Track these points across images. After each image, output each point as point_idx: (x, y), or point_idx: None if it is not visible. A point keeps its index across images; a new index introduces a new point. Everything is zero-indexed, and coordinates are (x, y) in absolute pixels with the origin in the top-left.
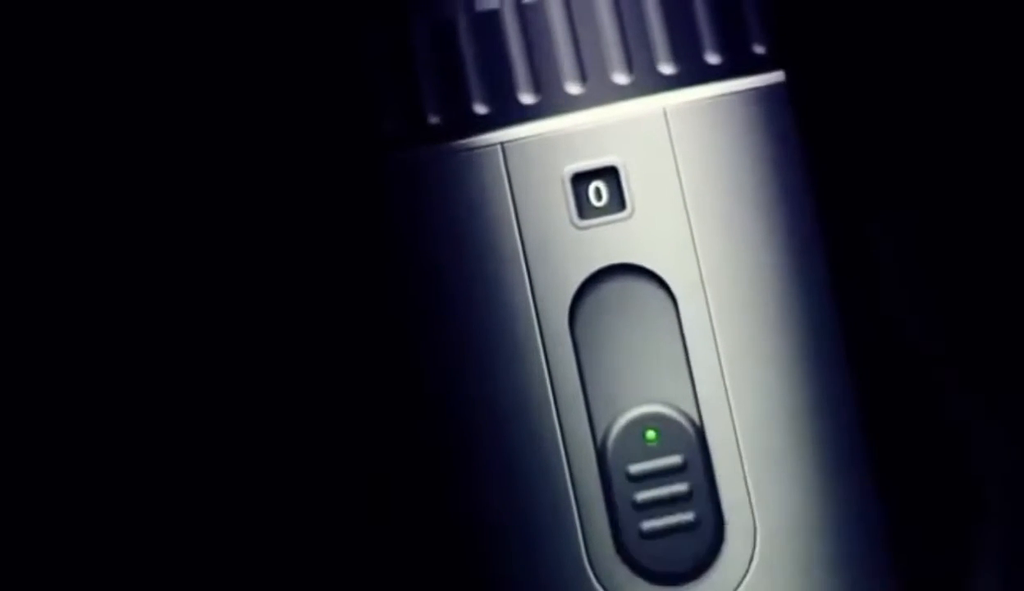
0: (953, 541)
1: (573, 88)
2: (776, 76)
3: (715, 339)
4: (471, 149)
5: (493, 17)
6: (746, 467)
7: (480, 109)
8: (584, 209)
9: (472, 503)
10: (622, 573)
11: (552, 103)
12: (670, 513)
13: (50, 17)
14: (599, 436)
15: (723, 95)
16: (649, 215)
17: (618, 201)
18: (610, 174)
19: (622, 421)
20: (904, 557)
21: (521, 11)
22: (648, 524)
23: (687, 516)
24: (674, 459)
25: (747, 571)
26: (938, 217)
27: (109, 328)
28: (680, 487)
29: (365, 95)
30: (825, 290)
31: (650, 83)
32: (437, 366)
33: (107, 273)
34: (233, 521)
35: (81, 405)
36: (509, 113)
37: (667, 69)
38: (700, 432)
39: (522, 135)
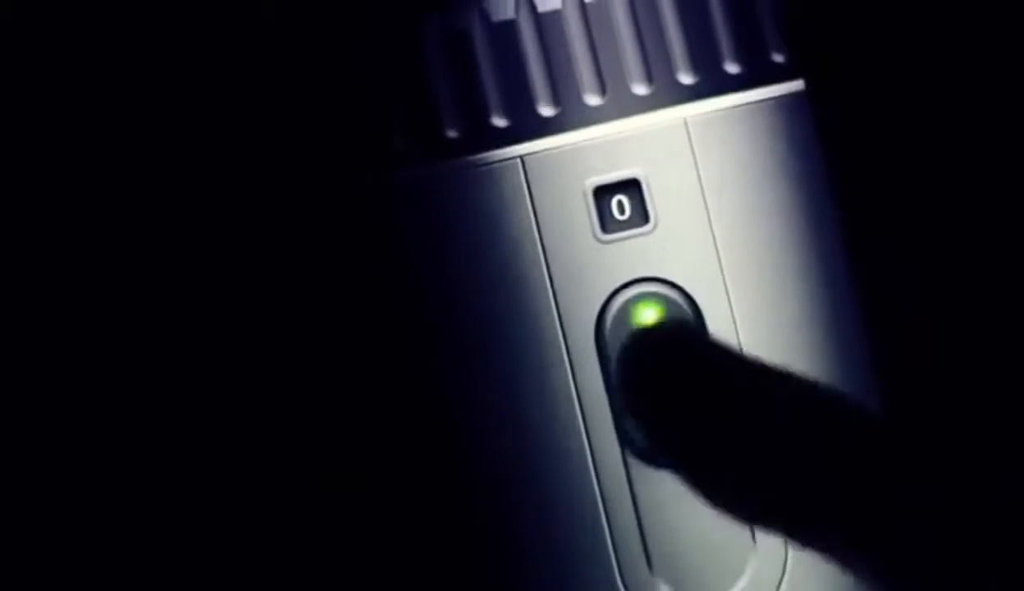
0: (972, 545)
1: (593, 100)
2: (796, 85)
3: (742, 351)
4: (490, 163)
5: (510, 28)
6: None
7: (499, 122)
8: (607, 223)
9: (502, 523)
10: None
11: (572, 115)
12: None
13: (48, 41)
14: (629, 452)
15: (743, 105)
16: (673, 228)
17: (641, 214)
18: (632, 187)
19: None
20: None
21: (539, 22)
22: None
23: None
24: None
25: (778, 585)
26: (960, 224)
27: (119, 334)
28: None
29: (382, 110)
30: (850, 297)
31: (670, 94)
32: (461, 385)
33: (116, 281)
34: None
35: (82, 407)
36: (528, 126)
37: (687, 79)
38: None
39: (542, 148)
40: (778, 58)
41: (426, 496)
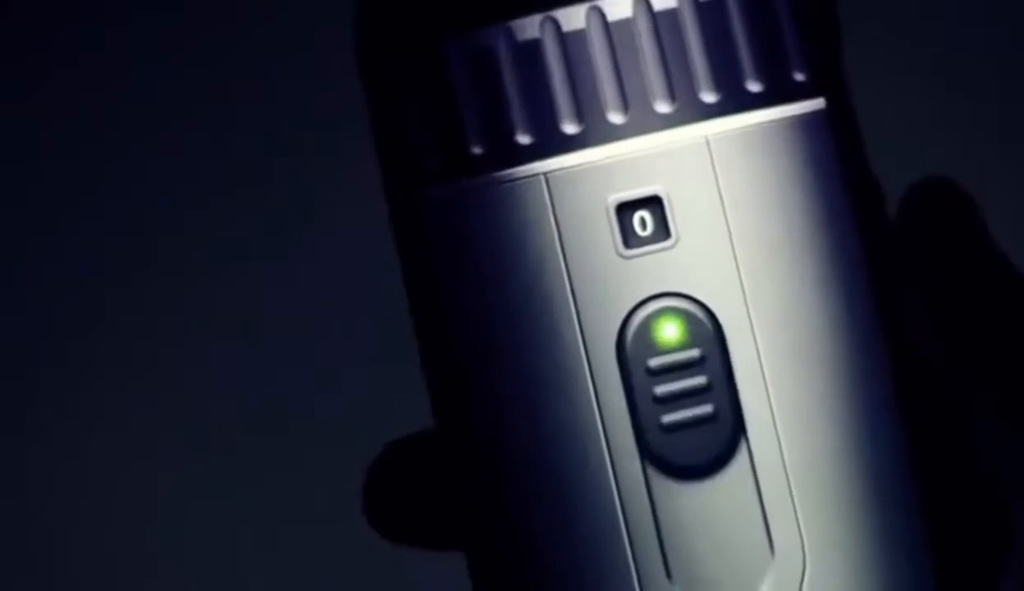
0: (980, 563)
1: (616, 118)
2: (817, 103)
3: (761, 365)
4: (514, 180)
5: (535, 47)
6: (792, 486)
7: (523, 140)
8: (629, 239)
9: (520, 531)
10: None
11: (595, 133)
12: None
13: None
14: (649, 463)
15: (764, 123)
16: (694, 244)
17: (663, 230)
18: (654, 203)
19: None
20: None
21: (563, 41)
22: None
23: None
24: None
25: None
26: (981, 238)
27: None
28: None
29: (408, 128)
30: (871, 314)
31: (692, 112)
32: (483, 396)
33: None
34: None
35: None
36: (552, 143)
37: (709, 97)
38: (751, 460)
39: (565, 165)
40: (800, 77)
41: (444, 505)
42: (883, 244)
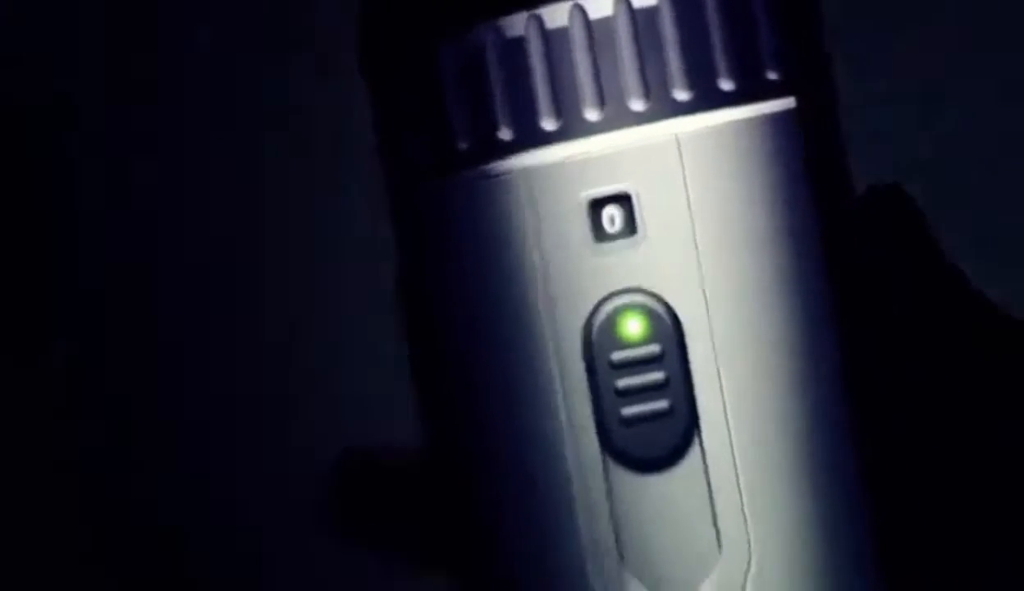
0: (948, 564)
1: (592, 115)
2: (787, 102)
3: (717, 363)
4: (495, 176)
5: (519, 44)
6: (741, 483)
7: (505, 135)
8: (599, 234)
9: (476, 509)
10: None
11: (571, 129)
12: None
13: None
14: (607, 453)
15: (733, 122)
16: (659, 241)
17: (630, 227)
18: (624, 200)
19: None
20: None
21: (546, 38)
22: None
23: None
24: None
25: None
26: (936, 244)
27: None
28: None
29: (399, 126)
30: (829, 318)
31: (664, 109)
32: (455, 384)
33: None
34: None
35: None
36: (531, 139)
37: (681, 95)
38: (703, 456)
39: (542, 161)
40: (772, 75)
41: (405, 483)
42: (846, 245)
